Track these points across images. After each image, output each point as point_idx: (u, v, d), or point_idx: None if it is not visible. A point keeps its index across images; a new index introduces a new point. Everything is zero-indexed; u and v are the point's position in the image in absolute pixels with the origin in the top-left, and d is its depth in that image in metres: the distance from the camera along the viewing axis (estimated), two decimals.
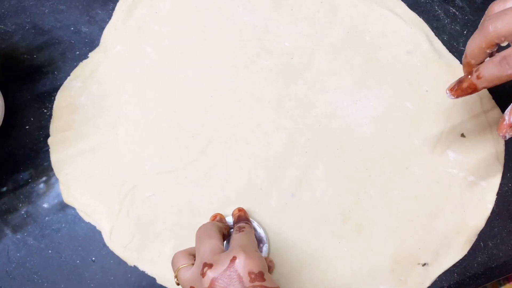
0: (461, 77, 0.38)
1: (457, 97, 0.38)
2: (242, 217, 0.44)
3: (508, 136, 0.37)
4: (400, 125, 0.48)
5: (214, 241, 0.36)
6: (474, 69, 0.37)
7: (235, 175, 0.47)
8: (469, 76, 0.37)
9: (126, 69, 0.49)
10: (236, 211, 0.45)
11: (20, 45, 0.50)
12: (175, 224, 0.46)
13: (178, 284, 0.37)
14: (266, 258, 0.45)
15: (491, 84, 0.36)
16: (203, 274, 0.33)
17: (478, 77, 0.36)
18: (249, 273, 0.33)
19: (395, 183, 0.47)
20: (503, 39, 0.35)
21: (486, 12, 0.38)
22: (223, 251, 0.36)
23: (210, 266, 0.33)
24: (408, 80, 0.49)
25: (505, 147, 0.48)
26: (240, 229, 0.40)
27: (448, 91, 0.39)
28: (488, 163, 0.47)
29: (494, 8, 0.37)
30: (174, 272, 0.37)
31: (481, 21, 0.37)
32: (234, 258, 0.33)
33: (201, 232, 0.38)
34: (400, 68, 0.49)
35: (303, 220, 0.46)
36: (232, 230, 0.43)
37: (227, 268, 0.33)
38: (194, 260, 0.37)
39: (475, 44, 0.36)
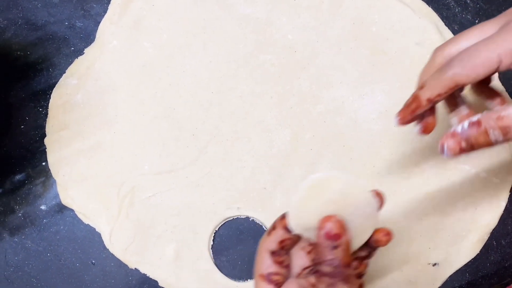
0: None
1: (403, 119, 0.34)
2: (335, 263, 0.28)
3: (448, 150, 0.31)
4: None
5: None
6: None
7: (237, 174, 0.46)
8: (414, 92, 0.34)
9: (123, 65, 0.48)
10: (326, 225, 0.28)
11: (13, 41, 0.49)
12: (176, 226, 0.45)
13: None
14: (381, 230, 0.31)
15: (434, 92, 0.32)
16: None
17: (421, 87, 0.33)
18: None
19: (404, 181, 0.45)
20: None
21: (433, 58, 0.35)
22: None
23: None
24: (417, 73, 0.46)
25: None
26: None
27: (394, 118, 0.35)
28: (500, 158, 0.46)
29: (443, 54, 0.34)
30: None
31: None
32: None
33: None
34: (408, 60, 0.47)
35: None
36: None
37: None
38: (284, 270, 0.32)
39: (423, 73, 0.35)
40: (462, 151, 0.31)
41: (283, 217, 0.31)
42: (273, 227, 0.31)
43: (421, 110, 0.33)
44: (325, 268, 0.28)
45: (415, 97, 0.33)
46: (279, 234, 0.31)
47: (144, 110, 0.47)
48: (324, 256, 0.28)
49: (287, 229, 0.30)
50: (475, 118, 0.31)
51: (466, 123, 0.31)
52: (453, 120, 0.35)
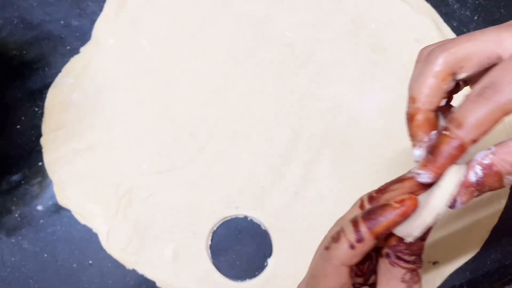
0: (424, 142, 0.28)
1: (440, 169, 0.26)
2: (417, 249, 0.27)
3: (461, 204, 0.26)
4: None
5: None
6: (443, 120, 0.28)
7: (235, 173, 0.45)
8: (444, 132, 0.26)
9: (120, 63, 0.47)
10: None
11: (9, 40, 0.48)
12: (175, 226, 0.45)
13: None
14: None
15: (481, 130, 0.24)
16: None
17: (459, 126, 0.25)
18: None
19: None
20: (460, 66, 0.27)
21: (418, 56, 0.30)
22: None
23: None
24: None
25: None
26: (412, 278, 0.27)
27: (420, 170, 0.26)
28: None
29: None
30: None
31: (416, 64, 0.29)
32: None
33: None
34: (408, 57, 0.47)
35: (308, 219, 0.45)
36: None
37: None
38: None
39: (424, 82, 0.28)
40: (472, 199, 0.26)
41: (369, 223, 0.26)
42: (360, 239, 0.26)
43: (463, 155, 0.26)
44: (408, 258, 0.27)
45: (450, 140, 0.25)
46: (368, 246, 0.26)
47: (142, 109, 0.47)
48: (406, 247, 0.27)
49: (376, 238, 0.26)
50: (486, 160, 0.25)
51: (478, 169, 0.25)
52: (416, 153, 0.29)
